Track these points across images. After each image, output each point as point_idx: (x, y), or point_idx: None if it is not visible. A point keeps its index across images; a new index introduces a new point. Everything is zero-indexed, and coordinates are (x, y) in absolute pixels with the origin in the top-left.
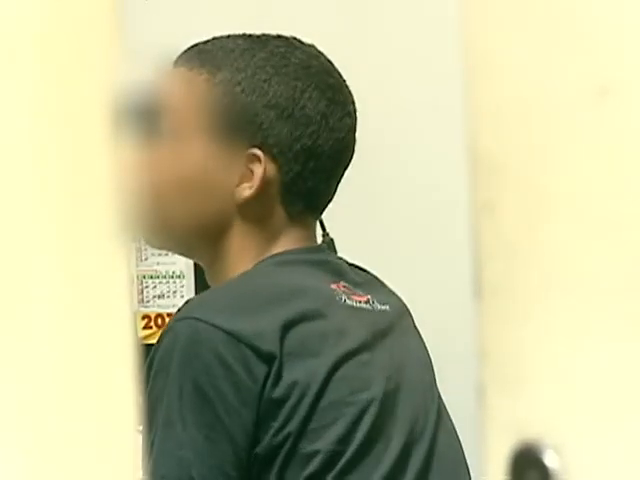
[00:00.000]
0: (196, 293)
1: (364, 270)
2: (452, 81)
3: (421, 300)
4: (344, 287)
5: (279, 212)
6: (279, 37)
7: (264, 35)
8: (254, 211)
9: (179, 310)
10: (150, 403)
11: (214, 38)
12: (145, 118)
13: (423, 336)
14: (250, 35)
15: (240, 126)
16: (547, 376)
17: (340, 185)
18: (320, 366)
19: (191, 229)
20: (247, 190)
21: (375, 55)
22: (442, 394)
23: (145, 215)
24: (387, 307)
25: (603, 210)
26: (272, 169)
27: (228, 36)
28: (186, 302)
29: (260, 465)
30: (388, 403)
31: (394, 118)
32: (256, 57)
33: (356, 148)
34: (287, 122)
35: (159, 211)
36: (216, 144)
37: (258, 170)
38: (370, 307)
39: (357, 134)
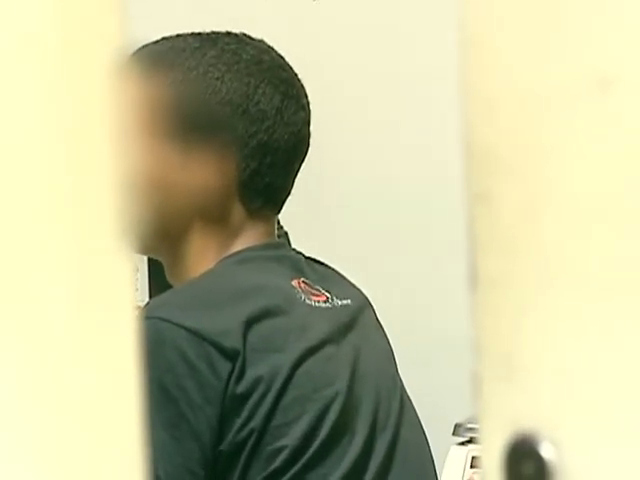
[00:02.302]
0: (150, 287)
1: (322, 263)
2: (447, 69)
3: (416, 291)
4: (304, 283)
5: (238, 209)
6: (229, 34)
7: (214, 33)
8: (214, 209)
9: (142, 310)
10: None
11: (163, 38)
12: None
13: (419, 327)
14: (199, 33)
15: (195, 125)
16: (544, 368)
17: (336, 175)
18: (284, 361)
19: (152, 230)
20: (213, 188)
21: (371, 44)
22: (438, 386)
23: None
24: (348, 301)
25: (602, 202)
26: (230, 166)
27: (177, 35)
28: (147, 302)
29: (224, 462)
30: (352, 397)
31: (389, 107)
32: (207, 55)
33: (352, 136)
34: (242, 118)
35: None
36: (173, 145)
37: (222, 167)
38: (330, 305)
39: (354, 122)
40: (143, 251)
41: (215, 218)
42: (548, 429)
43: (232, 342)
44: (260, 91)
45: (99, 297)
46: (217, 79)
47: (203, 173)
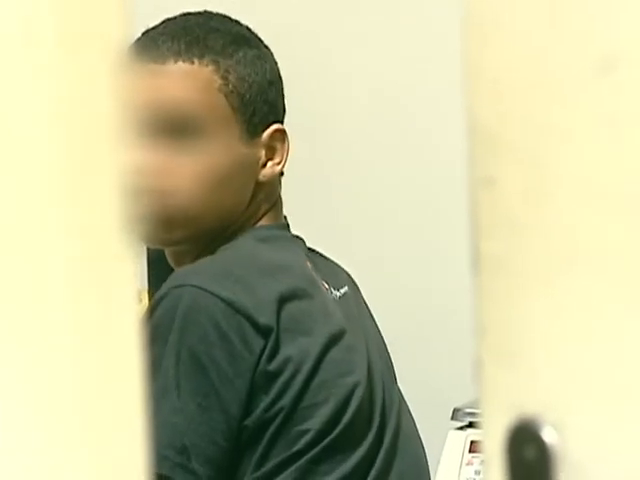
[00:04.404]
0: (149, 270)
1: (313, 250)
2: (452, 53)
3: (415, 275)
4: (311, 268)
5: (278, 185)
6: (213, 13)
7: (202, 12)
8: (273, 187)
9: (170, 278)
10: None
11: (184, 22)
12: (168, 127)
13: (418, 311)
14: (191, 13)
15: (258, 108)
16: (546, 352)
17: (342, 162)
18: (312, 345)
19: (219, 220)
20: (277, 166)
21: (375, 29)
22: (436, 371)
23: (173, 212)
24: (346, 289)
25: (605, 184)
26: (285, 143)
27: (186, 17)
28: (173, 271)
29: (248, 437)
30: (369, 386)
31: (393, 91)
32: (232, 35)
33: (357, 122)
34: (279, 96)
35: (191, 209)
36: (240, 131)
37: (283, 145)
38: (330, 296)
39: (358, 109)
40: (193, 243)
41: (269, 195)
42: (550, 413)
43: (266, 318)
44: (277, 67)
45: (101, 288)
46: (259, 59)
47: (271, 156)
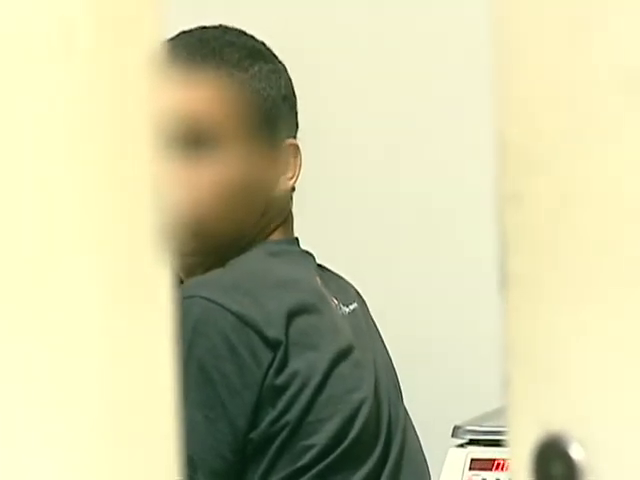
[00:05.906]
0: None
1: (320, 266)
2: (481, 69)
3: (416, 292)
4: (321, 283)
5: (290, 200)
6: (221, 27)
7: (218, 26)
8: (285, 201)
9: (181, 288)
10: None
11: (200, 35)
12: (183, 138)
13: (419, 328)
14: (207, 27)
15: (272, 122)
16: (574, 368)
17: (366, 172)
18: (320, 360)
19: (231, 232)
20: (289, 181)
21: (404, 42)
22: (437, 388)
23: (187, 223)
24: (355, 305)
25: (633, 201)
26: (298, 159)
27: (202, 30)
28: (182, 282)
29: (253, 451)
30: (376, 403)
31: (422, 105)
32: (247, 50)
33: (384, 135)
34: (293, 111)
35: (204, 221)
36: (256, 143)
37: (296, 160)
38: (340, 313)
39: (387, 122)
40: (209, 254)
41: (282, 209)
42: (578, 430)
43: (275, 332)
44: (292, 83)
45: (136, 299)
46: (273, 73)
47: (284, 171)
